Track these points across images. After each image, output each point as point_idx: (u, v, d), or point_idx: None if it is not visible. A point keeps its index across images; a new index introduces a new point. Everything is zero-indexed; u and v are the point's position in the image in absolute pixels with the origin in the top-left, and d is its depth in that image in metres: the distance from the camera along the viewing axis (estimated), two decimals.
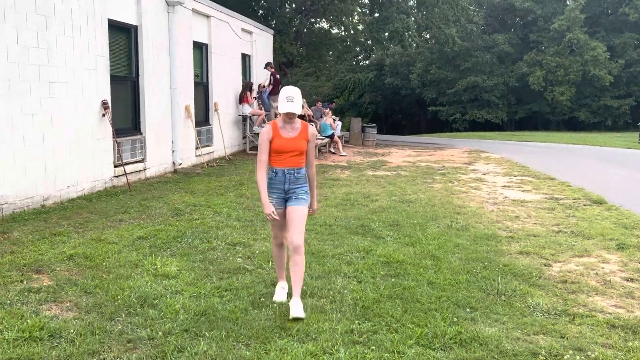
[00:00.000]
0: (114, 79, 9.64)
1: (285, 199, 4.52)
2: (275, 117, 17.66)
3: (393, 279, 5.12)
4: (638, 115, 36.41)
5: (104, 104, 9.23)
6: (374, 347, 3.74)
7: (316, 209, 4.82)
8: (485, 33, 40.51)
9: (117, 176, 9.67)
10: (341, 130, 19.29)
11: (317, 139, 16.36)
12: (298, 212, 4.45)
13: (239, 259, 5.70)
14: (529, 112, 40.21)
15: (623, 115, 38.15)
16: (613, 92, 38.05)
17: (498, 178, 12.07)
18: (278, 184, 4.49)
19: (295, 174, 4.48)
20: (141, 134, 10.57)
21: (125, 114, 10.34)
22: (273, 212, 4.42)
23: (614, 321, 4.31)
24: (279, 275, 4.82)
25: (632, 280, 5.36)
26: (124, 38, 10.25)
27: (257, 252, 5.93)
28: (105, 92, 9.33)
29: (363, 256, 5.85)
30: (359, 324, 4.10)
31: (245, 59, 16.93)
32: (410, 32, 23.34)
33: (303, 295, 4.66)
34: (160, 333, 3.86)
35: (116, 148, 9.55)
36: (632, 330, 4.15)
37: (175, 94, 11.58)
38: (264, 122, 15.67)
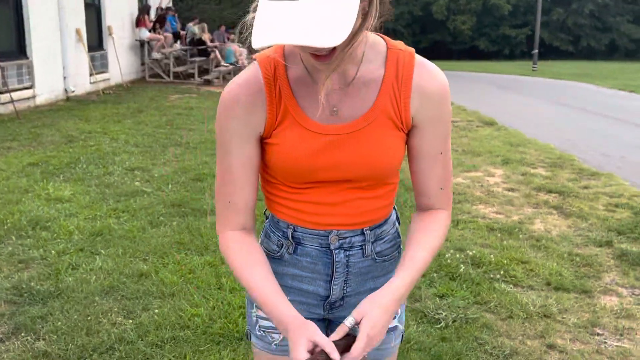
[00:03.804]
0: None
1: (327, 319, 1.39)
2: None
3: None
4: (533, 44, 38.19)
5: None
6: None
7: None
8: None
9: (3, 103, 9.04)
10: (247, 58, 18.90)
11: (221, 65, 16.03)
12: None
13: (136, 182, 5.61)
14: (431, 42, 41.07)
15: (520, 44, 39.86)
16: (511, 21, 39.51)
17: None
18: (306, 277, 1.30)
19: (370, 248, 1.30)
20: (28, 58, 9.86)
21: (8, 36, 9.57)
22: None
23: (492, 225, 4.69)
24: None
25: (512, 190, 5.80)
26: None
27: (156, 175, 5.85)
28: None
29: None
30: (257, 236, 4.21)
31: None
32: None
33: (202, 214, 4.69)
34: (53, 252, 3.79)
35: (0, 73, 8.89)
36: (508, 232, 4.53)
37: (63, 15, 10.80)
38: (163, 47, 15.02)
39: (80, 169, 5.97)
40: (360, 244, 1.28)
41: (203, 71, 16.17)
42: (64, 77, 11.01)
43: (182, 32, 16.92)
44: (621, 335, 3.05)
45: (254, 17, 1.05)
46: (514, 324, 3.12)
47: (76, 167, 6.05)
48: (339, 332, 1.10)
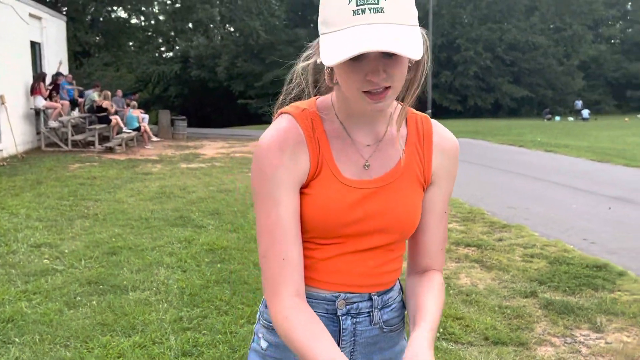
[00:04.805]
0: None
1: None
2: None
3: (219, 265, 5.06)
4: (426, 104, 40.47)
5: None
6: (205, 331, 3.66)
7: None
8: (287, 27, 41.76)
9: None
10: (149, 123, 18.54)
11: (123, 132, 15.58)
12: None
13: (45, 260, 5.19)
14: None
15: (412, 105, 42.05)
16: None
17: None
18: None
19: (378, 315, 1.28)
20: None
21: None
22: None
23: None
24: None
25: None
26: None
27: (67, 251, 5.46)
28: None
29: (185, 246, 5.68)
30: (188, 311, 3.99)
31: (35, 47, 15.40)
32: (214, 23, 23.20)
33: (123, 290, 4.40)
34: None
35: None
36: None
37: None
38: (60, 115, 14.41)
39: None
40: (367, 310, 1.25)
41: (103, 138, 15.63)
42: None
43: (80, 100, 16.36)
44: None
45: (304, 66, 1.23)
46: None
47: None
48: None
